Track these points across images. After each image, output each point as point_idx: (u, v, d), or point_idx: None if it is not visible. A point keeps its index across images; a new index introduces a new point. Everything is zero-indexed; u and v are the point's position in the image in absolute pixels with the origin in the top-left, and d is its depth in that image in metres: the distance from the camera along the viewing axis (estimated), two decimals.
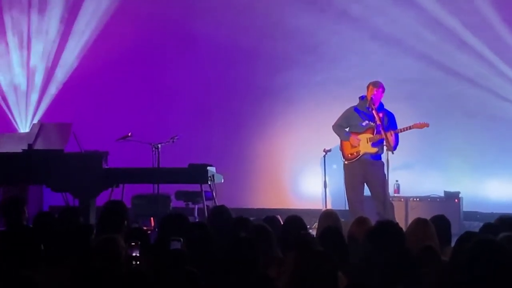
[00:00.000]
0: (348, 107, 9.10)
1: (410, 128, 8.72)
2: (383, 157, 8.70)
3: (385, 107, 8.90)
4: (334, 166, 10.47)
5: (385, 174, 8.62)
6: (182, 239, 4.70)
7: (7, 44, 11.92)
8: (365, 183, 8.89)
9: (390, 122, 8.81)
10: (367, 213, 8.22)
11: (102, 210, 6.16)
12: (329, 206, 10.04)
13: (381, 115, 8.72)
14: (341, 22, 11.18)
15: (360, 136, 8.86)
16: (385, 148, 8.64)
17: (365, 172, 8.83)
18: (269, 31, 11.43)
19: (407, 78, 10.89)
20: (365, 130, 8.86)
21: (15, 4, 11.88)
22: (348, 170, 8.97)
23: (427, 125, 8.72)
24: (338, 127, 9.05)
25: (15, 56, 11.95)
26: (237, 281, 4.20)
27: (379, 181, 8.71)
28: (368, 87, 8.85)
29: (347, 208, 9.09)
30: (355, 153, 8.88)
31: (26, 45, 11.94)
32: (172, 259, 4.40)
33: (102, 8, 11.77)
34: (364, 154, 8.82)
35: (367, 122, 8.84)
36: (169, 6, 11.67)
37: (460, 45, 10.74)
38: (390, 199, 9.14)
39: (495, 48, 10.64)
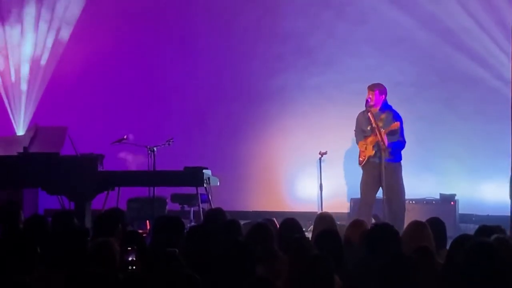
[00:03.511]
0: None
1: (388, 129, 8.73)
2: None
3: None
4: (338, 169, 10.45)
5: (394, 178, 8.65)
6: (177, 250, 4.68)
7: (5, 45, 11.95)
8: (379, 186, 8.90)
9: (393, 119, 8.82)
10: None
11: (98, 214, 6.16)
12: (325, 209, 10.03)
13: (383, 115, 8.77)
14: (336, 25, 11.20)
15: (367, 141, 8.90)
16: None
17: (377, 175, 8.80)
18: (264, 33, 11.44)
19: (402, 81, 10.89)
20: (370, 134, 8.89)
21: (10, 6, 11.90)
22: (363, 173, 9.03)
23: (397, 125, 8.76)
24: (356, 133, 9.14)
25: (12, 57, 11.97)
26: (234, 284, 4.20)
27: (385, 183, 8.69)
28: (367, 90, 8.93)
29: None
30: (363, 158, 8.94)
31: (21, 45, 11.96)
32: (167, 262, 4.39)
33: (97, 11, 11.76)
34: (369, 157, 8.86)
35: (370, 126, 8.88)
36: (164, 9, 11.67)
37: (455, 49, 10.75)
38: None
39: (490, 51, 10.66)
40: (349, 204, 10.48)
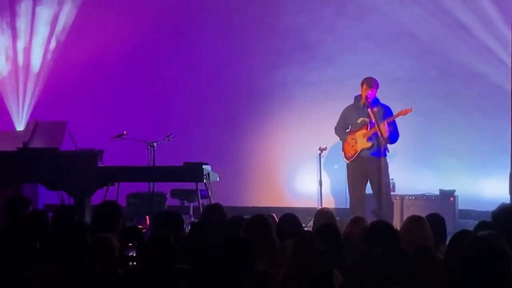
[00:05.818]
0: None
1: (395, 116, 8.79)
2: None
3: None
4: (336, 166, 10.46)
5: (383, 172, 8.68)
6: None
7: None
8: (368, 181, 8.95)
9: (385, 114, 8.87)
10: (367, 212, 8.30)
11: (96, 209, 6.15)
12: (324, 205, 10.03)
13: (375, 109, 8.81)
14: (336, 21, 11.19)
15: (356, 134, 8.94)
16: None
17: (365, 170, 8.91)
18: (264, 29, 11.43)
19: (402, 77, 10.89)
20: (360, 127, 8.95)
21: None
22: (350, 169, 9.09)
23: (410, 111, 8.76)
24: (338, 129, 9.19)
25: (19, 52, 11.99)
26: (234, 280, 4.21)
27: (376, 178, 8.77)
28: (361, 84, 8.94)
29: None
30: (353, 152, 8.96)
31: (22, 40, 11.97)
32: (166, 257, 4.39)
33: (96, 8, 11.76)
34: (362, 150, 8.89)
35: (362, 119, 8.92)
36: (164, 4, 11.66)
37: (455, 44, 10.75)
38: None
39: (490, 47, 10.65)
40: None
